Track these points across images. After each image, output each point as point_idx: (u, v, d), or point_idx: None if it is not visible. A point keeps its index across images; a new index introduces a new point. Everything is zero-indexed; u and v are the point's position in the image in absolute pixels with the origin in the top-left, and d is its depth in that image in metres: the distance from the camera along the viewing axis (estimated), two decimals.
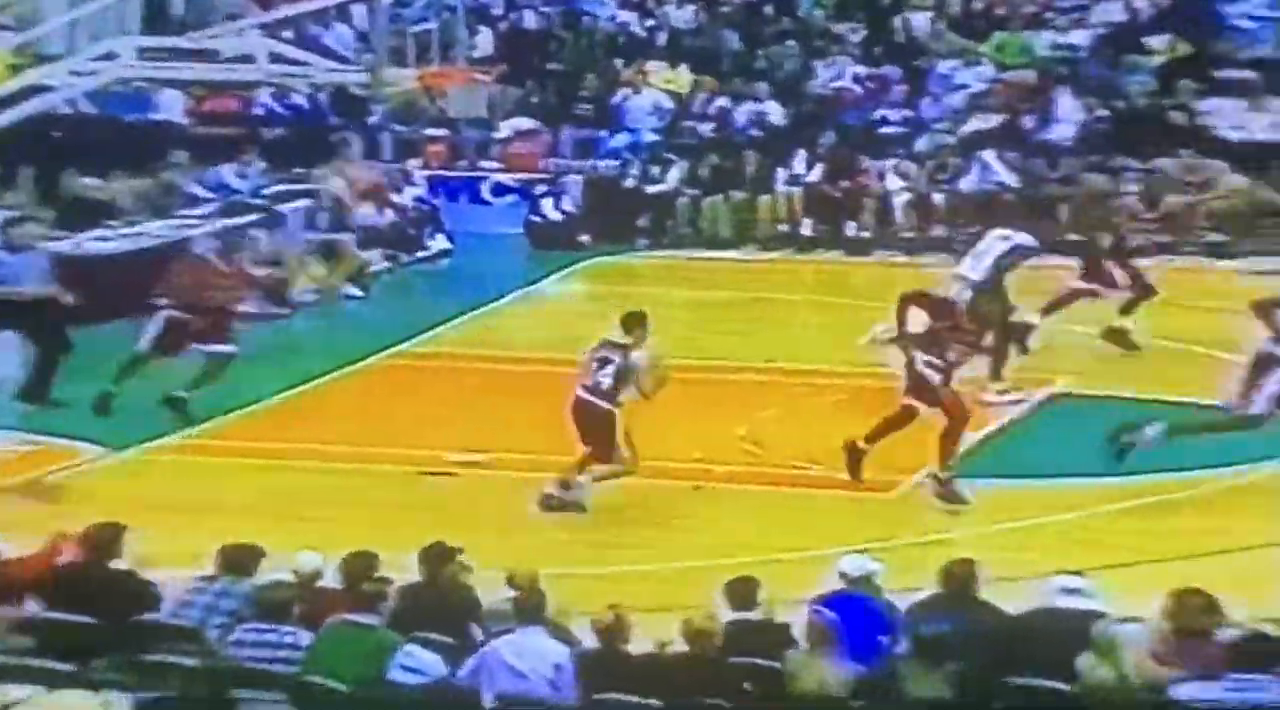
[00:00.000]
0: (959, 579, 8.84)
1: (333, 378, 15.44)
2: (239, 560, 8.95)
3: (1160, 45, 20.75)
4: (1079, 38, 21.19)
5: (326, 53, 21.66)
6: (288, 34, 21.85)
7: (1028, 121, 20.19)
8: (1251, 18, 20.63)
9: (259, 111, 21.82)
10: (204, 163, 20.15)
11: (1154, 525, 11.39)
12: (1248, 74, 20.04)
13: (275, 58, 20.02)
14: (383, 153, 21.48)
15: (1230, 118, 19.64)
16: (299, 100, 21.85)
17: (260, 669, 8.18)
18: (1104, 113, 20.17)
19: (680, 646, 8.20)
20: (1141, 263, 15.58)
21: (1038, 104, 20.31)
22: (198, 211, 18.91)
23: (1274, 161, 19.13)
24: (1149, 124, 19.86)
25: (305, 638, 8.31)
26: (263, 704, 8.05)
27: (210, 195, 19.57)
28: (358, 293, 18.83)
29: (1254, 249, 18.38)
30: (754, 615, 8.58)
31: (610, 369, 12.16)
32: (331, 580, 8.95)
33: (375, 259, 19.51)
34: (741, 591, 8.67)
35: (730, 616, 8.48)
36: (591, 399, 12.15)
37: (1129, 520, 11.44)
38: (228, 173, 20.07)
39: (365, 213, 20.05)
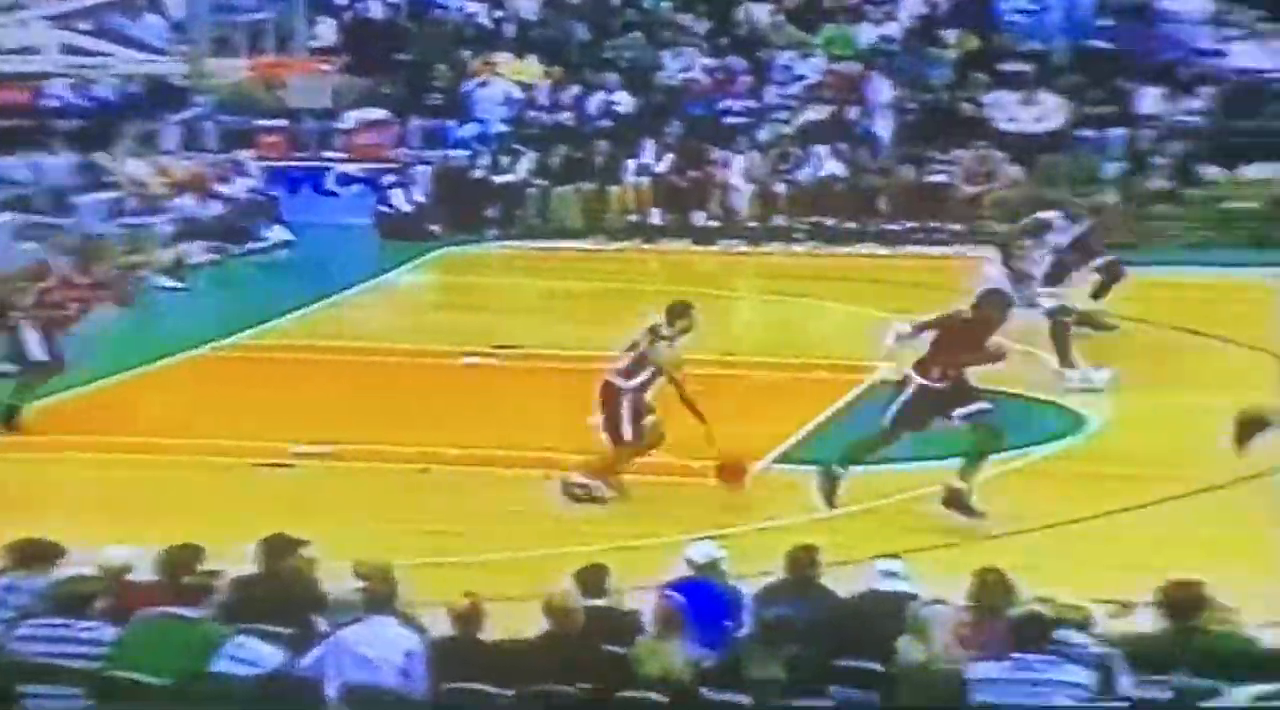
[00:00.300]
0: (801, 564, 9.02)
1: (147, 371, 15.31)
2: (33, 556, 8.68)
3: (953, 39, 21.36)
4: (893, 30, 21.72)
5: (132, 44, 21.42)
6: (86, 25, 21.62)
7: (852, 113, 20.64)
8: (1022, 11, 21.40)
9: (53, 103, 21.27)
10: None
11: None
12: (1023, 67, 20.76)
13: (68, 49, 19.73)
14: (206, 143, 21.21)
15: (1007, 110, 20.33)
16: (103, 92, 21.45)
17: (52, 664, 7.93)
18: (913, 105, 20.68)
19: (542, 626, 8.26)
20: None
21: (858, 96, 20.79)
22: None
23: (1042, 153, 19.80)
24: (947, 116, 20.50)
25: (109, 632, 8.10)
26: (55, 699, 7.85)
27: None
28: (172, 284, 18.51)
29: None
30: (603, 602, 8.67)
31: (633, 354, 12.48)
32: (146, 574, 8.74)
33: (195, 251, 19.27)
34: (591, 579, 8.76)
35: (582, 603, 8.56)
36: (608, 377, 12.52)
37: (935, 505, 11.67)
38: (12, 165, 19.68)
39: (184, 204, 19.83)
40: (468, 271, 18.72)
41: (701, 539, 9.70)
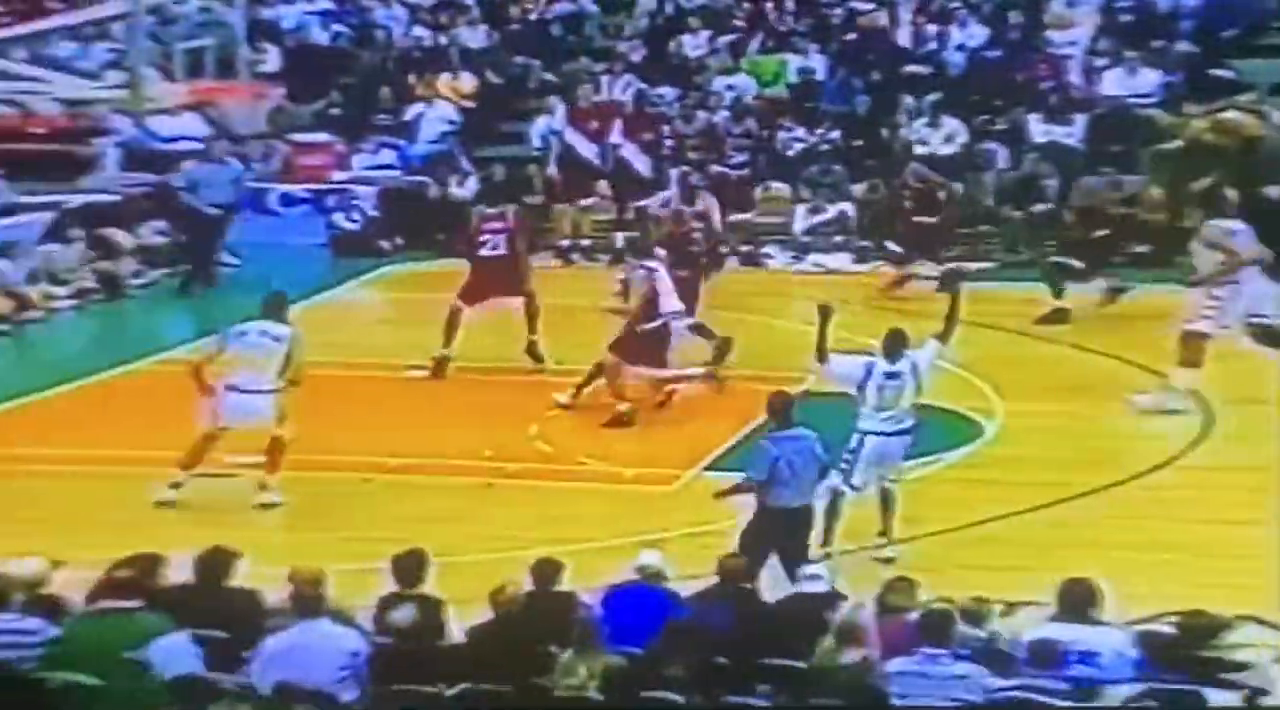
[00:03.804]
0: (731, 571, 9.35)
1: (91, 382, 15.55)
2: None
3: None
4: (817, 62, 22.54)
5: (68, 70, 21.57)
6: (20, 53, 21.79)
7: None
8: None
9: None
10: None
11: (863, 512, 11.93)
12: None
13: (3, 75, 19.80)
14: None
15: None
16: (45, 116, 21.56)
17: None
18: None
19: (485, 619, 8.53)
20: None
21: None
22: None
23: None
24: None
25: (35, 623, 8.14)
26: None
27: None
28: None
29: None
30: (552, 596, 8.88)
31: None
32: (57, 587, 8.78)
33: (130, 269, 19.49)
34: (546, 571, 9.05)
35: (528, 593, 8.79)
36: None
37: (857, 509, 11.99)
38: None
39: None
40: (415, 288, 18.97)
41: (649, 545, 10.03)
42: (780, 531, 10.65)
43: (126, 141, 21.24)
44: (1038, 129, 20.76)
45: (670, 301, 14.73)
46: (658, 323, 14.62)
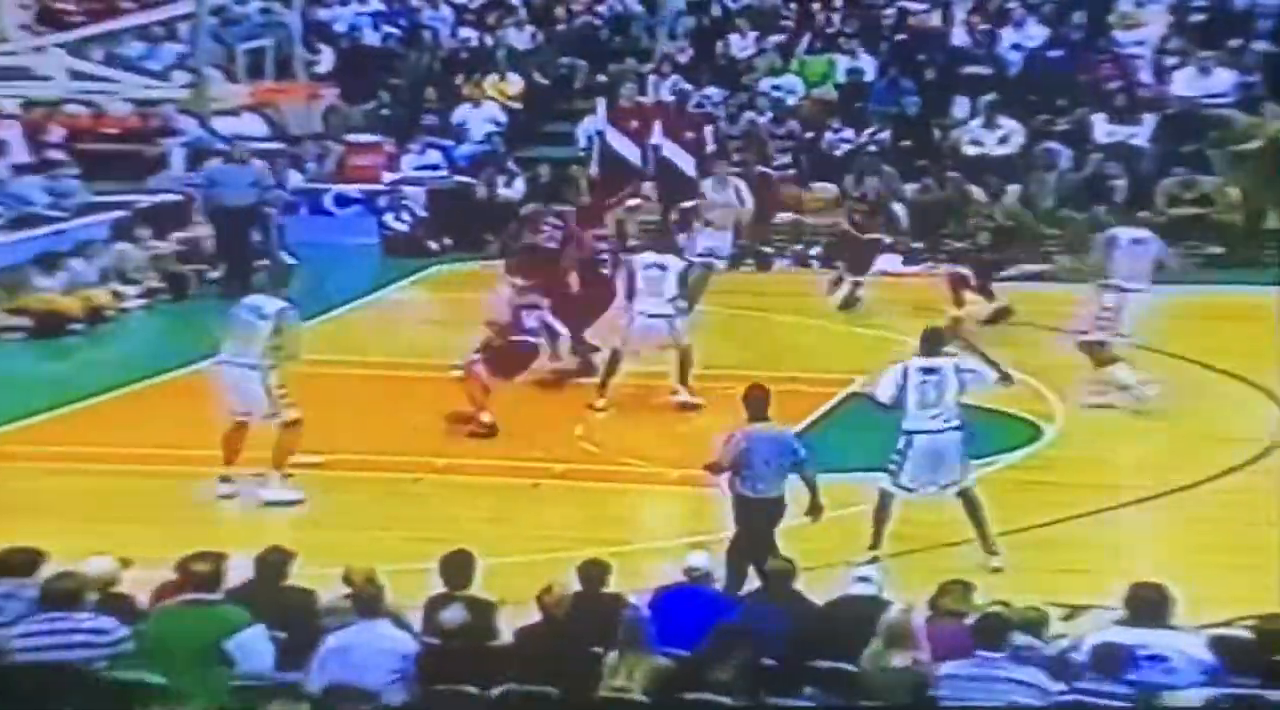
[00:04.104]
0: (779, 573, 9.40)
1: (152, 384, 15.64)
2: (17, 563, 8.67)
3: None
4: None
5: (138, 70, 21.73)
6: (96, 53, 21.99)
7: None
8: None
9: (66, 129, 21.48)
10: None
11: (924, 516, 11.95)
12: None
13: (77, 75, 19.96)
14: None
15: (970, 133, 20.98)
16: (116, 116, 21.80)
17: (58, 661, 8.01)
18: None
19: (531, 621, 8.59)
20: None
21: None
22: None
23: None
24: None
25: (108, 622, 8.21)
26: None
27: None
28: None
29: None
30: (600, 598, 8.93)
31: None
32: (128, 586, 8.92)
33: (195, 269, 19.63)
34: (594, 572, 9.12)
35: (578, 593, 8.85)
36: None
37: (905, 511, 12.01)
38: (31, 186, 19.98)
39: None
40: (462, 287, 19.09)
41: (697, 547, 10.07)
42: (748, 517, 10.77)
43: (191, 141, 21.43)
44: (1103, 130, 20.58)
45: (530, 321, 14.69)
46: (519, 339, 14.56)
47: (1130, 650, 8.11)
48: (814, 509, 10.92)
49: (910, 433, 11.46)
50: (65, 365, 16.78)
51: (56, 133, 21.24)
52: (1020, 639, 8.29)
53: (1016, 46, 22.11)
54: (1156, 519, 12.29)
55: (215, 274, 19.48)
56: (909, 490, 11.50)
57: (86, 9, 23.72)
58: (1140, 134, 20.54)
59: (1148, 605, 8.42)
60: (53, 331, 17.60)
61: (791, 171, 21.24)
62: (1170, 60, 21.42)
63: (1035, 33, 22.27)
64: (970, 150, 20.71)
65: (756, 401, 11.10)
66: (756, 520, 10.77)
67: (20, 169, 20.23)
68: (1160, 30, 21.94)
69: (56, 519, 11.75)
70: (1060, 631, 8.74)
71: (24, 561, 8.72)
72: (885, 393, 11.58)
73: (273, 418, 12.63)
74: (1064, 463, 13.38)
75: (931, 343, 11.73)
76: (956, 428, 11.49)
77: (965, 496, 11.52)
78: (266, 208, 19.80)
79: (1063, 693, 7.97)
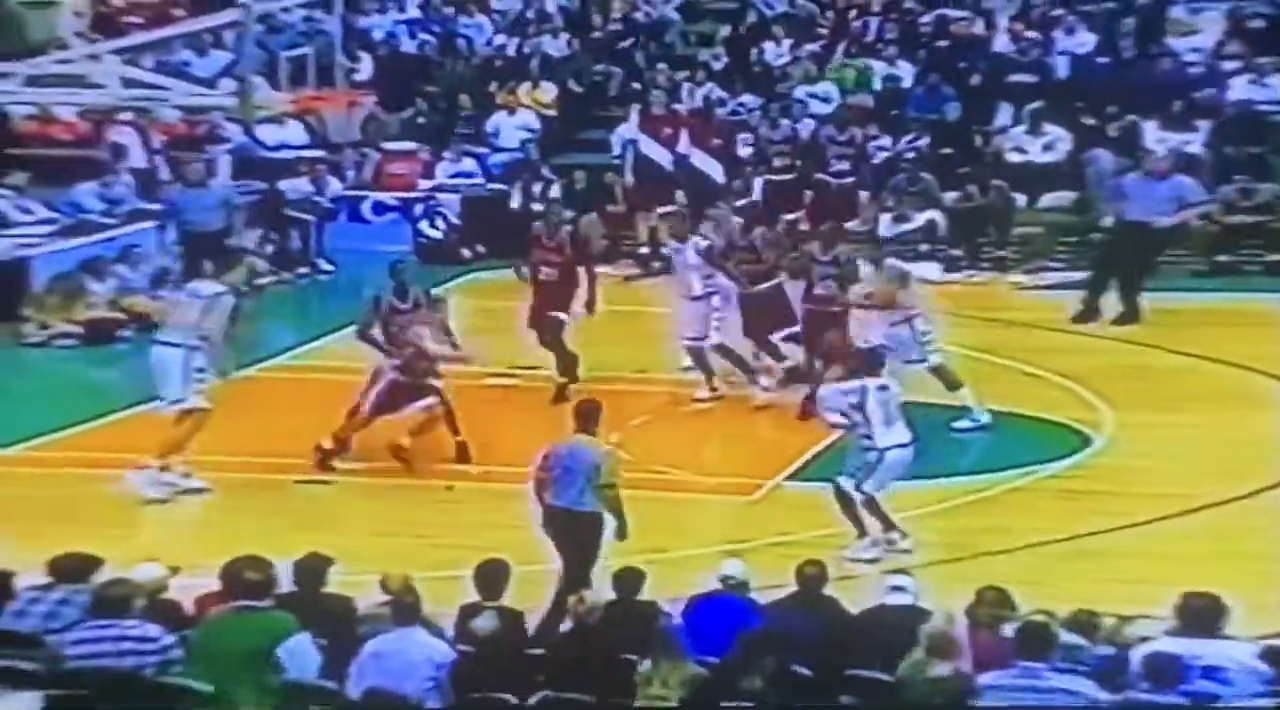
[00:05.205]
0: (811, 579, 9.40)
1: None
2: (74, 568, 8.75)
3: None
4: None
5: (187, 78, 21.86)
6: (147, 61, 22.13)
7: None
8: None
9: (119, 136, 21.42)
10: (49, 184, 20.14)
11: (953, 524, 12.03)
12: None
13: (129, 83, 20.06)
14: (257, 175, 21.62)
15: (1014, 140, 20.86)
16: (164, 123, 21.87)
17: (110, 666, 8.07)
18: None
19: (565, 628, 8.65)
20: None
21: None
22: (38, 231, 19.22)
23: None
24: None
25: (154, 630, 8.27)
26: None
27: (53, 215, 19.64)
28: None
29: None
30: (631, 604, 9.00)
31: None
32: (174, 592, 8.98)
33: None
34: (628, 580, 9.16)
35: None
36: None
37: (937, 521, 12.07)
38: (85, 193, 20.10)
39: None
40: (494, 295, 19.13)
41: (732, 555, 10.06)
42: (558, 529, 10.85)
43: (236, 148, 21.54)
44: (1154, 136, 20.34)
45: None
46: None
47: (1184, 661, 8.04)
48: (620, 532, 10.95)
49: (884, 449, 11.86)
50: (114, 372, 16.75)
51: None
52: (1068, 638, 8.23)
53: (1063, 53, 21.92)
54: (1208, 528, 12.20)
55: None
56: (871, 495, 11.87)
57: (140, 16, 23.83)
58: (1195, 141, 20.28)
59: (1201, 615, 8.34)
60: (103, 339, 17.73)
61: (850, 179, 20.89)
62: (1228, 66, 21.19)
63: (1085, 39, 22.07)
64: (1013, 157, 20.58)
65: (585, 414, 11.28)
66: (558, 532, 10.85)
67: (136, 173, 20.42)
68: (1216, 36, 21.73)
69: (105, 526, 11.82)
70: (1107, 640, 8.64)
71: (78, 567, 8.76)
72: (840, 410, 12.00)
73: (178, 403, 12.59)
74: (1112, 472, 13.32)
75: (873, 361, 12.43)
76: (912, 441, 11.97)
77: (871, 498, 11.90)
78: (305, 216, 19.75)
79: (1112, 703, 7.90)
